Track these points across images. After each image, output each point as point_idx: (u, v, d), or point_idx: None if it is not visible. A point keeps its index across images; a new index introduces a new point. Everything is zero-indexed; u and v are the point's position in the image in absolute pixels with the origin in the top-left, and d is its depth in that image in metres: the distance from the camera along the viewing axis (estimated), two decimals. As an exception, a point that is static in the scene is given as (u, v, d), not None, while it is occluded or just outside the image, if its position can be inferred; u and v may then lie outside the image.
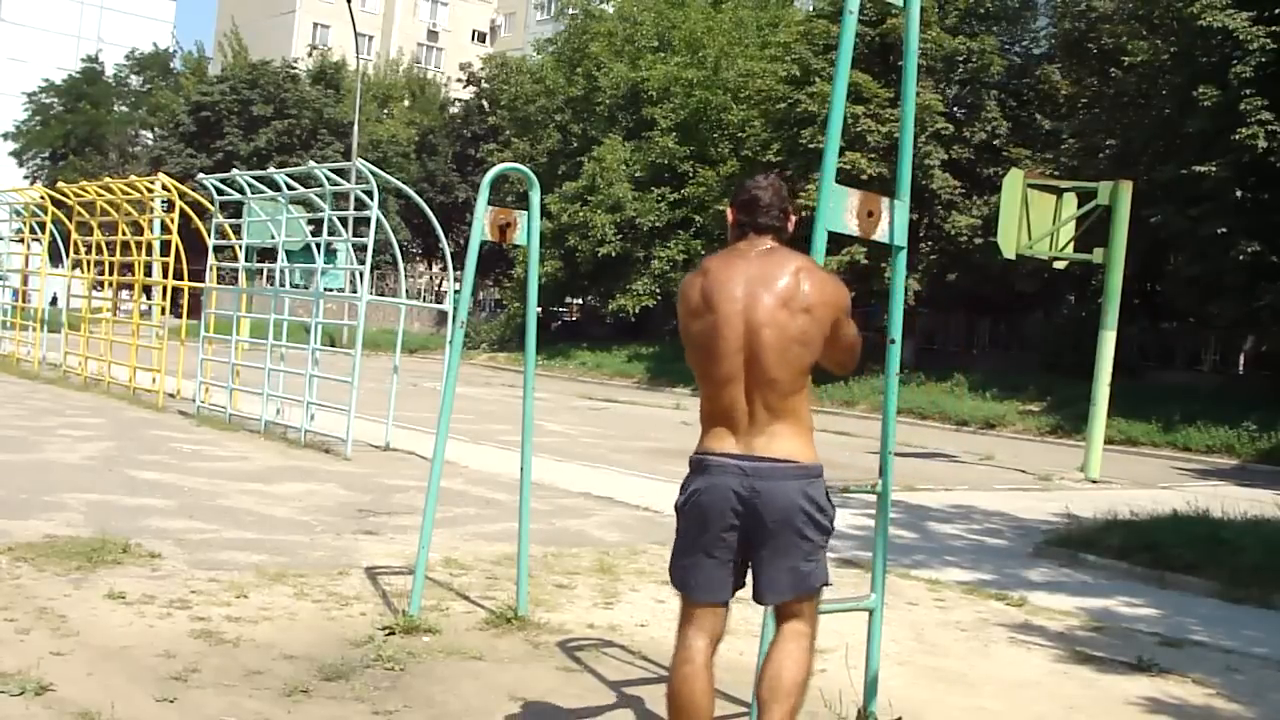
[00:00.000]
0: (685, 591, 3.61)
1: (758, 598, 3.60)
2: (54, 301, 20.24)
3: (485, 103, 51.33)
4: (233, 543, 7.14)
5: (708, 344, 3.52)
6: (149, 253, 16.88)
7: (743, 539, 3.51)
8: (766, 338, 3.45)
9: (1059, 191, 15.77)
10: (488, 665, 5.00)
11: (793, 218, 3.70)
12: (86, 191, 18.26)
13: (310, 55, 56.40)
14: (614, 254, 34.55)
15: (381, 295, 38.09)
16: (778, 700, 3.46)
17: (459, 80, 54.82)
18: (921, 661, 5.61)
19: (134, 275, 17.26)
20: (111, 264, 18.01)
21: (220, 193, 14.78)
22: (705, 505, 3.50)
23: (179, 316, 16.56)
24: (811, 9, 33.50)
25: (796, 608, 3.58)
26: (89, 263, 18.86)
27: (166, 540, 6.99)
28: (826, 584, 3.64)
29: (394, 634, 5.28)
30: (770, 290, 3.48)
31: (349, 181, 16.74)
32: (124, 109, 57.76)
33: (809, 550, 3.52)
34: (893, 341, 4.44)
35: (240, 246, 15.09)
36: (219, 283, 15.97)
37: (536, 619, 5.72)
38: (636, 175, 35.51)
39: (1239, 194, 20.94)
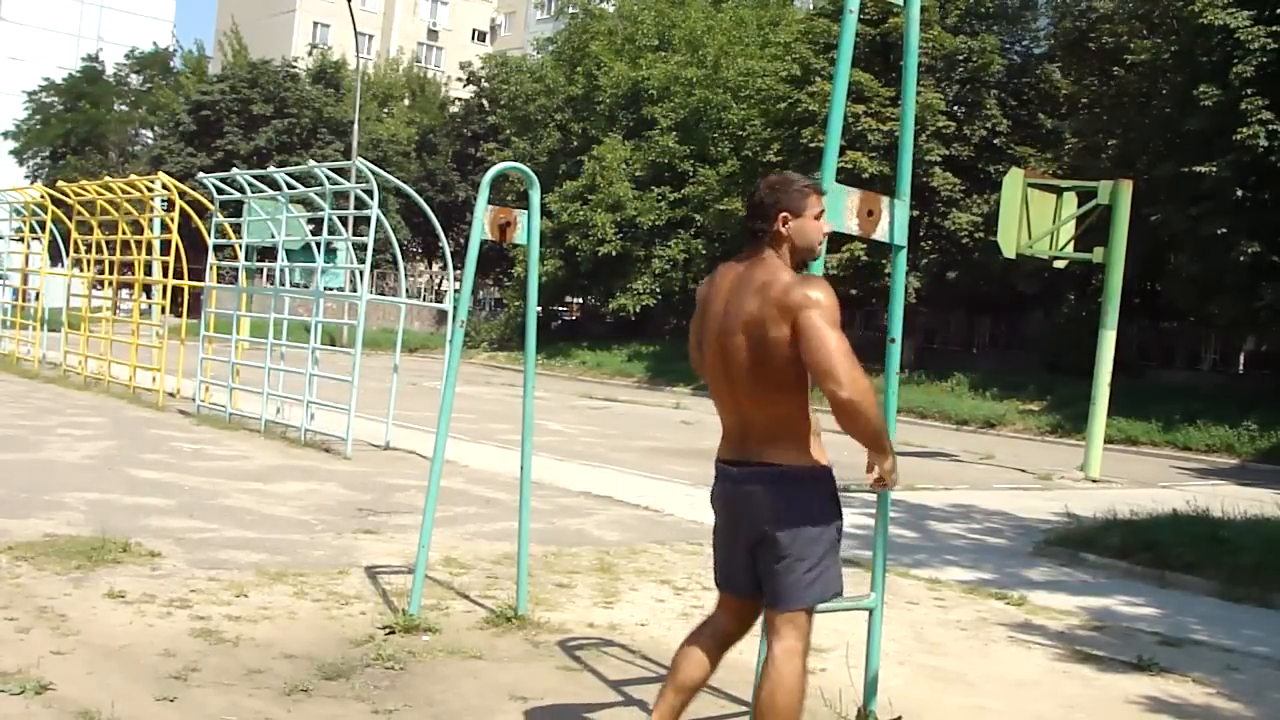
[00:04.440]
0: (715, 577, 3.82)
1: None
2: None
3: (485, 102, 51.29)
4: (233, 542, 7.14)
5: (698, 351, 3.67)
6: (149, 252, 16.87)
7: (742, 539, 3.60)
8: (734, 350, 3.44)
9: (1059, 190, 15.76)
10: (488, 664, 5.00)
11: (783, 214, 3.48)
12: (86, 191, 18.24)
13: (310, 54, 56.33)
14: (614, 253, 34.55)
15: (381, 294, 38.10)
16: None
17: (459, 79, 54.78)
18: (921, 661, 5.61)
19: (134, 274, 17.26)
20: (111, 263, 18.00)
21: (220, 192, 14.77)
22: (716, 509, 3.71)
23: (179, 315, 16.54)
24: (812, 8, 33.49)
25: (779, 621, 3.50)
26: (89, 262, 18.85)
27: (166, 539, 6.99)
28: (816, 603, 3.52)
29: (394, 633, 5.28)
30: (740, 302, 3.43)
31: (349, 180, 16.74)
32: (124, 108, 57.66)
33: (790, 561, 3.45)
34: (893, 340, 4.45)
35: (240, 245, 15.08)
36: (219, 282, 15.96)
37: (536, 618, 5.72)
38: (636, 174, 35.50)
39: (1239, 193, 20.92)
